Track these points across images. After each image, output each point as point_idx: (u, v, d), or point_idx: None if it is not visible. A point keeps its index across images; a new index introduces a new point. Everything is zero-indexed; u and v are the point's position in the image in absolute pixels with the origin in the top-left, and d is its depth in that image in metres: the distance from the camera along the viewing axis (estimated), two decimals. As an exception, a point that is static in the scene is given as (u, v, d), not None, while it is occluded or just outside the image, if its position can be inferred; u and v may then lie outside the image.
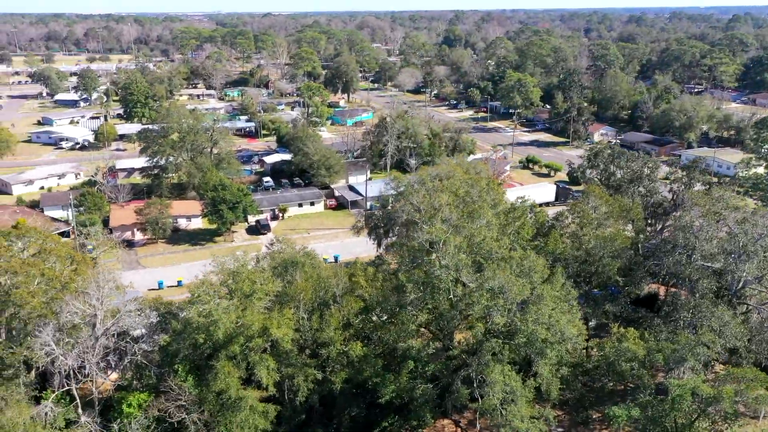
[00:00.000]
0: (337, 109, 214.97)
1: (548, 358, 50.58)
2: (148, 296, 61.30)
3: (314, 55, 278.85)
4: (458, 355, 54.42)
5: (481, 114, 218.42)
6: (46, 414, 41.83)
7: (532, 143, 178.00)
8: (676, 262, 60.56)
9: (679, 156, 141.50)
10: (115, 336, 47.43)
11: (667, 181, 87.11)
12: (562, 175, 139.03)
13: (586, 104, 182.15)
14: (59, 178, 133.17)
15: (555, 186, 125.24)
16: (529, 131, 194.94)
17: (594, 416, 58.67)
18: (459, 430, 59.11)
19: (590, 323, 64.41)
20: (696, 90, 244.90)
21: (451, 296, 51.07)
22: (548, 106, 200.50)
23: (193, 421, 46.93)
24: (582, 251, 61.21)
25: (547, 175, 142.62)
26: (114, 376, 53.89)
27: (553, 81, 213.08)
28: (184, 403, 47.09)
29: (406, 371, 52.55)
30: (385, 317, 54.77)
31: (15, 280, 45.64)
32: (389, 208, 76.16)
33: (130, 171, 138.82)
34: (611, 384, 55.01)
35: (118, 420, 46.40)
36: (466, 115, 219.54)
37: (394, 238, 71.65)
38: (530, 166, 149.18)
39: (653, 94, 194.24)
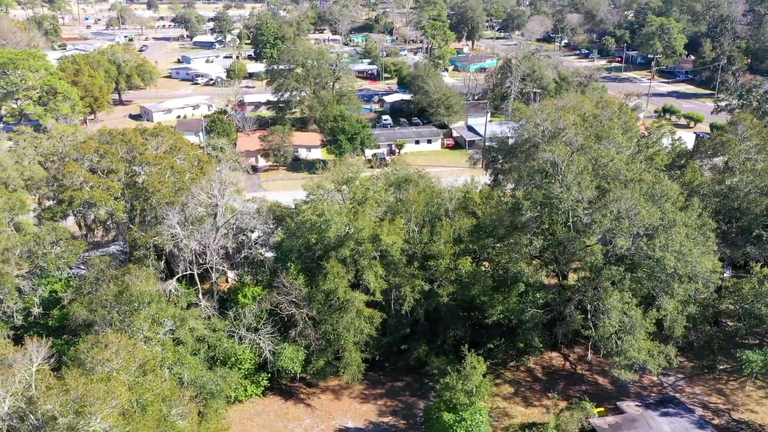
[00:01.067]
0: (460, 55, 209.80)
1: (675, 293, 46.51)
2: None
3: (440, 0, 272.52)
4: (572, 286, 51.62)
5: (614, 64, 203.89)
6: (170, 291, 44.80)
7: (671, 94, 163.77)
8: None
9: None
10: (234, 231, 49.52)
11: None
12: (704, 127, 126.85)
13: (738, 54, 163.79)
14: (194, 109, 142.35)
15: (694, 135, 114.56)
16: (668, 82, 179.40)
17: (721, 366, 53.72)
18: (567, 363, 56.67)
19: (726, 264, 58.50)
20: None
21: (570, 219, 48.09)
22: (692, 57, 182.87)
23: (302, 317, 48.29)
24: (724, 186, 55.13)
25: (686, 126, 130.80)
26: (231, 275, 56.75)
27: (701, 29, 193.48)
28: (295, 300, 48.52)
29: (515, 293, 50.70)
30: (497, 240, 52.80)
31: (149, 170, 48.72)
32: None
33: (257, 105, 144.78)
34: (745, 330, 49.76)
35: (234, 309, 48.77)
36: (599, 65, 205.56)
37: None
38: (667, 116, 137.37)
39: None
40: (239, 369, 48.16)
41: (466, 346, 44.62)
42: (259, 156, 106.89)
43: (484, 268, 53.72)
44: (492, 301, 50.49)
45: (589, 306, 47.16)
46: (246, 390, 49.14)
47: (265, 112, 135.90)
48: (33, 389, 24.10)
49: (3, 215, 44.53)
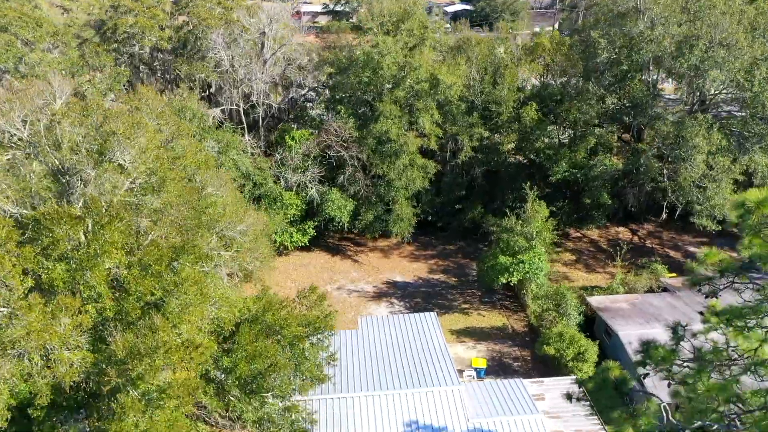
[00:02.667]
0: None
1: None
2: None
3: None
4: (650, 141, 46.66)
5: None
6: (213, 117, 42.61)
7: None
8: None
9: None
10: (283, 64, 46.63)
11: None
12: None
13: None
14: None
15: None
16: None
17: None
18: (636, 237, 52.21)
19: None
20: None
21: (651, 68, 42.90)
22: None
23: (351, 161, 45.46)
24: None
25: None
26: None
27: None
28: (344, 143, 45.64)
29: (584, 148, 46.30)
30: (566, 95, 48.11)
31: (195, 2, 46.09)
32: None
33: (314, 14, 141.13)
34: None
35: (281, 151, 46.36)
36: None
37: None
38: None
39: None
40: (285, 214, 46.07)
41: (528, 183, 40.89)
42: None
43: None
44: (558, 154, 46.32)
45: (667, 153, 42.33)
46: (292, 237, 47.14)
47: (323, 22, 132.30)
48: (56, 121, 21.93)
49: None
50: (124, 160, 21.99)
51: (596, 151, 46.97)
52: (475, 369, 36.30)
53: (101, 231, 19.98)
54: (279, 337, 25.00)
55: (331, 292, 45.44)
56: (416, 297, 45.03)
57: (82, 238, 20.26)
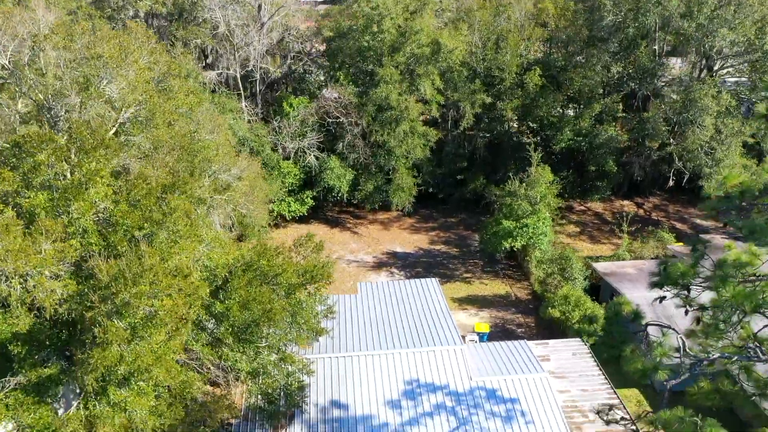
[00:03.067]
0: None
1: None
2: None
3: None
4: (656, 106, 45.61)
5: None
6: (209, 80, 41.54)
7: None
8: None
9: None
10: (280, 30, 45.58)
11: None
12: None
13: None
14: None
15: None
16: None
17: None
18: (641, 210, 51.14)
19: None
20: None
21: (657, 34, 41.88)
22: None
23: (349, 126, 44.38)
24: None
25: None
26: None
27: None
28: (344, 109, 44.58)
29: (589, 115, 45.28)
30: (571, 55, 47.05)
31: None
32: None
33: (315, 2, 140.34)
34: None
35: (278, 118, 45.30)
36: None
37: None
38: None
39: None
40: (282, 183, 44.99)
41: (532, 146, 39.87)
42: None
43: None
44: (561, 121, 45.28)
45: (674, 119, 41.34)
46: (290, 206, 46.08)
47: (323, 10, 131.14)
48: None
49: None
50: (112, 91, 20.91)
51: (601, 119, 45.93)
52: (478, 334, 35.25)
53: (86, 158, 18.93)
54: (274, 285, 23.97)
55: (329, 261, 44.32)
56: (417, 267, 43.97)
57: (66, 166, 19.21)
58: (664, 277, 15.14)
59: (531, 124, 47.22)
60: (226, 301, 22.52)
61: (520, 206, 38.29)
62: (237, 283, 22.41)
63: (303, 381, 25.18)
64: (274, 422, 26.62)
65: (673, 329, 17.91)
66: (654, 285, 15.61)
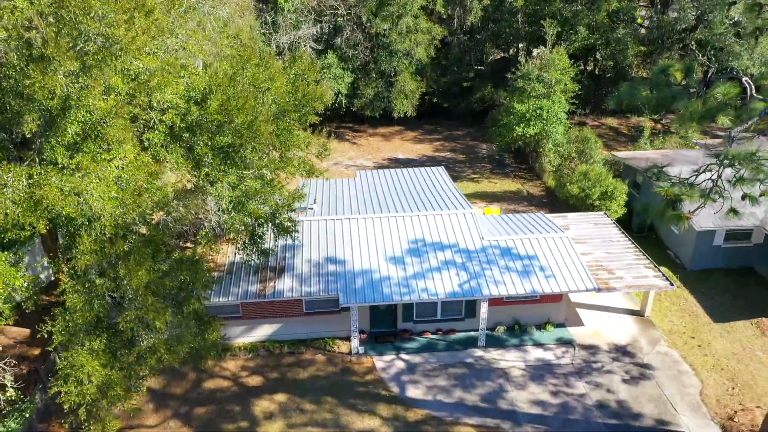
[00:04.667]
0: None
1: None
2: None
3: None
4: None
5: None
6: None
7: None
8: None
9: None
10: None
11: None
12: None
13: None
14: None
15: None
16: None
17: None
18: (658, 125, 47.97)
19: None
20: None
21: None
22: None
23: (348, 16, 41.27)
24: None
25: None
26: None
27: None
28: (342, 1, 41.50)
29: (605, 9, 42.17)
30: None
31: None
32: None
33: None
34: None
35: (271, 11, 42.19)
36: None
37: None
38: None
39: None
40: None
41: (546, 20, 36.76)
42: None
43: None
44: (575, 18, 42.18)
45: (699, 8, 38.27)
46: (284, 110, 42.89)
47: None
48: None
49: None
50: None
51: (618, 15, 42.82)
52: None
53: None
54: (262, 101, 20.97)
55: (327, 167, 41.30)
56: (421, 170, 40.88)
57: None
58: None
59: (540, 19, 44.05)
60: (205, 108, 19.48)
61: (534, 88, 35.19)
62: (218, 88, 19.42)
63: (293, 218, 22.13)
64: (262, 275, 23.68)
65: (739, 77, 14.96)
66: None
